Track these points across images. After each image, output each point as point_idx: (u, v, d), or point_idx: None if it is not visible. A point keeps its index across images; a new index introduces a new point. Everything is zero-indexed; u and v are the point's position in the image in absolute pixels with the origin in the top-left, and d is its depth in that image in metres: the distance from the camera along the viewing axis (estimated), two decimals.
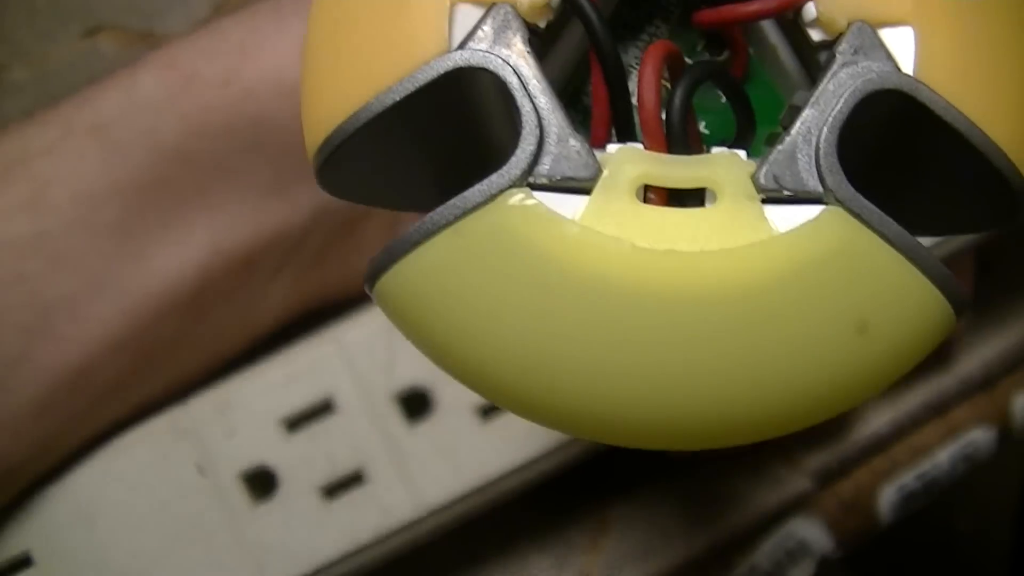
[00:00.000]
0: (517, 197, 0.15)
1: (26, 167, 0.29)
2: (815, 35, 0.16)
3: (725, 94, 0.18)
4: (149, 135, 0.29)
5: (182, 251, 0.30)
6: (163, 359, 0.31)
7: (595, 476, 0.35)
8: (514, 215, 0.15)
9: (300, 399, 0.31)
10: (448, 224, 0.15)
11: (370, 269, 0.16)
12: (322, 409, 0.31)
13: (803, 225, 0.16)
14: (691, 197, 0.16)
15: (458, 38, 0.16)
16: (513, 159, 0.15)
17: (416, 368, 0.31)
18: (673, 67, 0.17)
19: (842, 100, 0.16)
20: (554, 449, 0.31)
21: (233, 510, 0.31)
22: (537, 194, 0.15)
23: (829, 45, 0.16)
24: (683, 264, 0.15)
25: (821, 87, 0.16)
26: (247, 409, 0.31)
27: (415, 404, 0.31)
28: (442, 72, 0.15)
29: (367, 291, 0.17)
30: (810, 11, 0.16)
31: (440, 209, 0.15)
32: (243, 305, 0.31)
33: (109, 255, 0.29)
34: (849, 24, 0.16)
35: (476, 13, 0.16)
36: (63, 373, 0.29)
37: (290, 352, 0.32)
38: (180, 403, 0.31)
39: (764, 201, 0.16)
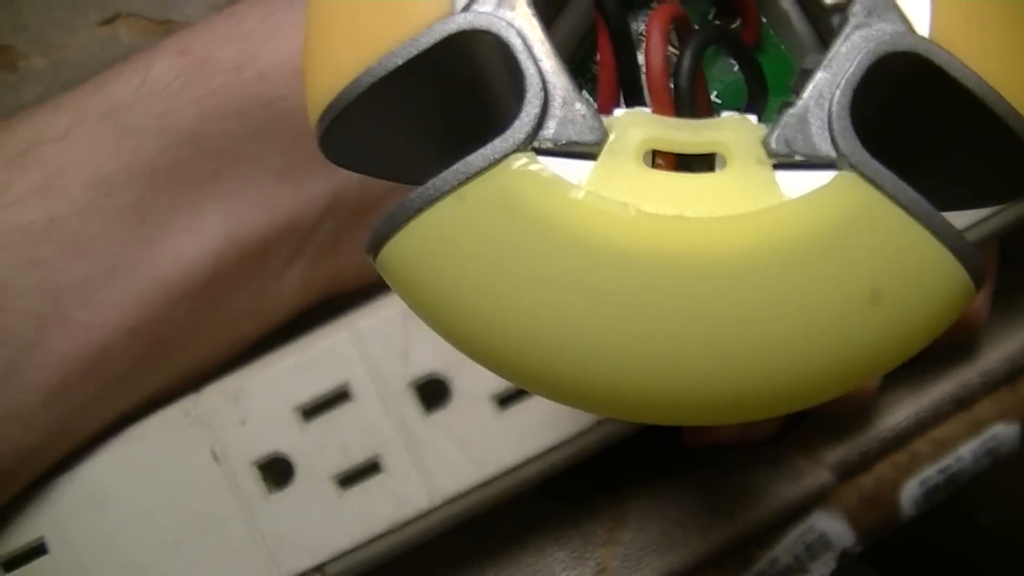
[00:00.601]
0: (521, 161, 0.15)
1: (39, 153, 0.29)
2: None
3: (735, 59, 0.17)
4: (162, 120, 0.29)
5: (196, 237, 0.30)
6: (177, 346, 0.31)
7: (613, 468, 0.34)
8: (518, 180, 0.15)
9: (315, 387, 0.31)
10: (452, 190, 0.15)
11: (372, 237, 0.16)
12: (338, 397, 0.31)
13: (815, 191, 0.15)
14: (700, 162, 0.16)
15: (462, 1, 0.15)
16: (517, 123, 0.15)
17: (433, 356, 0.31)
18: (681, 31, 0.17)
19: (855, 63, 0.15)
20: (571, 439, 0.31)
21: (247, 499, 0.30)
22: (542, 159, 0.15)
23: (842, 8, 0.16)
24: (691, 230, 0.15)
25: (834, 50, 0.15)
26: (262, 397, 0.31)
27: (431, 392, 0.31)
28: (445, 35, 0.15)
29: (371, 260, 0.17)
30: None
31: (443, 174, 0.15)
32: (257, 292, 0.31)
33: (122, 241, 0.29)
34: None
35: None
36: (76, 360, 0.29)
37: (305, 340, 0.31)
38: (194, 391, 0.31)
39: (775, 166, 0.15)
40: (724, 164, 0.15)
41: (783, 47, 0.18)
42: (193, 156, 0.29)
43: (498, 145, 0.15)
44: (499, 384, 0.30)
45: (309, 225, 0.31)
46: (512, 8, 0.15)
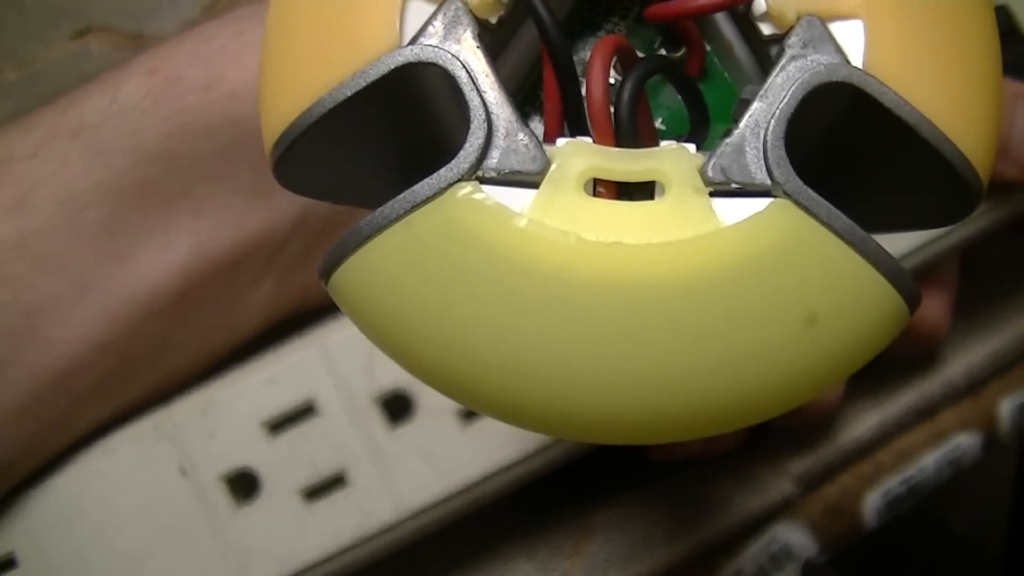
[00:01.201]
0: (465, 190, 0.15)
1: (10, 170, 0.29)
2: (766, 29, 0.17)
3: (677, 89, 0.18)
4: (132, 138, 0.29)
5: (166, 254, 0.30)
6: (147, 361, 0.31)
7: (579, 480, 0.35)
8: (462, 208, 0.15)
9: (282, 401, 0.31)
10: (398, 218, 0.16)
11: (324, 263, 0.16)
12: (304, 412, 0.31)
13: (750, 218, 0.16)
14: (641, 191, 0.16)
15: (409, 34, 0.16)
16: (462, 153, 0.15)
17: (397, 372, 0.31)
18: (625, 62, 0.17)
19: (790, 93, 0.16)
20: (535, 452, 0.31)
21: (215, 512, 0.31)
22: (486, 188, 0.16)
23: (779, 39, 0.16)
24: (630, 256, 0.15)
25: (770, 80, 0.16)
26: (229, 411, 0.31)
27: (396, 407, 0.31)
28: (392, 67, 0.16)
29: (322, 286, 0.17)
30: (760, 5, 0.16)
31: (390, 203, 0.16)
32: (226, 308, 0.32)
33: (93, 257, 0.29)
34: (799, 18, 0.16)
35: (428, 9, 0.16)
36: (47, 376, 0.30)
37: (272, 355, 0.32)
38: (163, 405, 0.32)
39: (712, 194, 0.16)
40: (663, 192, 0.16)
41: (727, 76, 0.19)
42: (163, 174, 0.30)
43: (443, 174, 0.15)
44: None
45: (278, 241, 0.31)
46: (458, 41, 0.16)
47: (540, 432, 0.17)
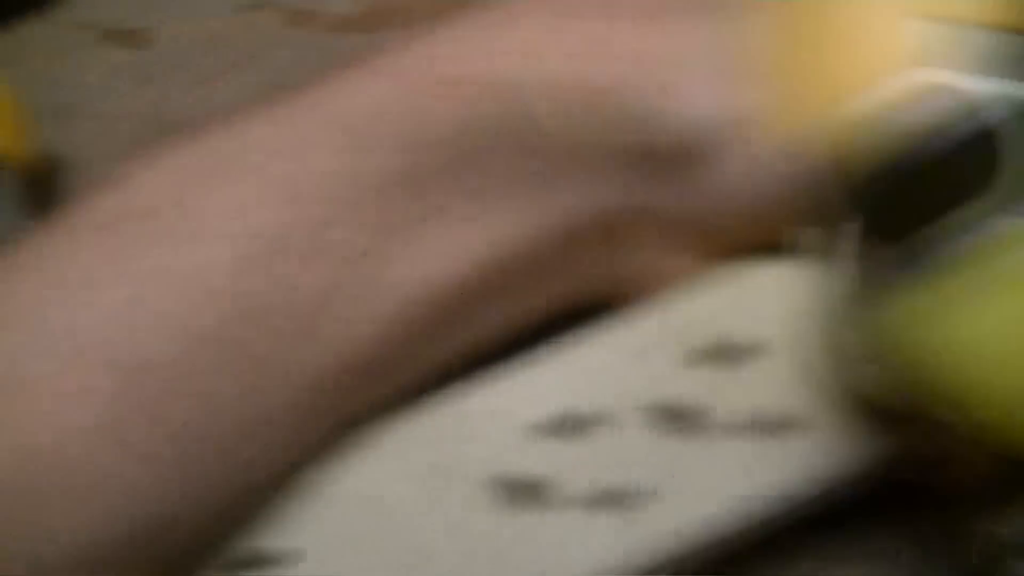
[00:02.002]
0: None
1: (273, 159, 0.29)
2: None
3: None
4: (416, 129, 0.29)
5: (443, 249, 0.30)
6: (420, 357, 0.32)
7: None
8: None
9: (557, 405, 0.31)
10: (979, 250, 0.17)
11: (872, 291, 0.18)
12: (586, 418, 0.31)
13: None
14: None
15: None
16: None
17: (678, 383, 0.31)
18: None
19: None
20: (824, 479, 0.31)
21: (496, 513, 0.31)
22: None
23: None
24: None
25: None
26: (505, 410, 0.31)
27: (678, 418, 0.31)
28: None
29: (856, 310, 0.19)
30: None
31: (962, 236, 0.17)
32: (504, 305, 0.32)
33: (373, 250, 0.29)
34: None
35: None
36: (324, 374, 0.30)
37: (549, 357, 0.32)
38: (435, 400, 0.32)
39: None
40: None
41: None
42: (434, 169, 0.30)
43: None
44: (749, 417, 0.31)
45: (560, 238, 0.31)
46: None
47: None
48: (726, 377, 0.31)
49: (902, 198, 0.18)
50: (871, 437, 0.30)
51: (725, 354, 0.32)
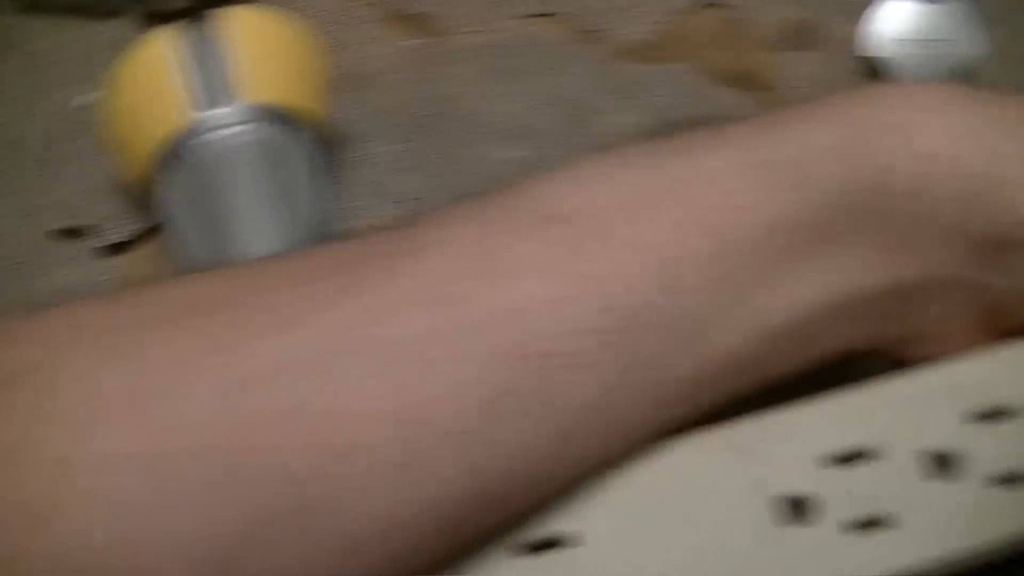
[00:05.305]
0: None
1: (703, 187, 0.32)
2: None
3: None
4: (818, 181, 0.33)
5: (804, 286, 0.33)
6: (766, 369, 0.34)
7: None
8: None
9: (842, 438, 0.34)
10: None
11: None
12: (859, 452, 0.34)
13: None
14: None
15: None
16: None
17: (943, 433, 0.35)
18: None
19: None
20: None
21: (765, 528, 0.34)
22: None
23: None
24: None
25: None
26: (794, 438, 0.34)
27: (941, 463, 0.34)
28: None
29: None
30: None
31: None
32: (819, 343, 0.35)
33: (751, 283, 0.33)
34: None
35: None
36: (679, 380, 0.33)
37: (841, 397, 0.35)
38: (733, 420, 0.34)
39: None
40: None
41: None
42: (830, 218, 0.33)
43: None
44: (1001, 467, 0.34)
45: (884, 296, 0.35)
46: None
47: None
48: (992, 433, 0.35)
49: None
50: None
51: (996, 414, 0.35)
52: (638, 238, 0.32)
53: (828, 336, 0.35)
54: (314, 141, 0.41)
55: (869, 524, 0.34)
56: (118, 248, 0.43)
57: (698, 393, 0.33)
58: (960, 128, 0.34)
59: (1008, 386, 0.35)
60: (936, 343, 0.37)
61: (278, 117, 0.41)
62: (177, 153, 0.40)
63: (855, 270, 0.34)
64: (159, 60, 0.41)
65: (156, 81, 0.41)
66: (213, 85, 0.41)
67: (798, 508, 0.34)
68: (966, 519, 0.34)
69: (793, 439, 0.34)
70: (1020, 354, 0.36)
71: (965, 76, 0.45)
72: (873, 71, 0.46)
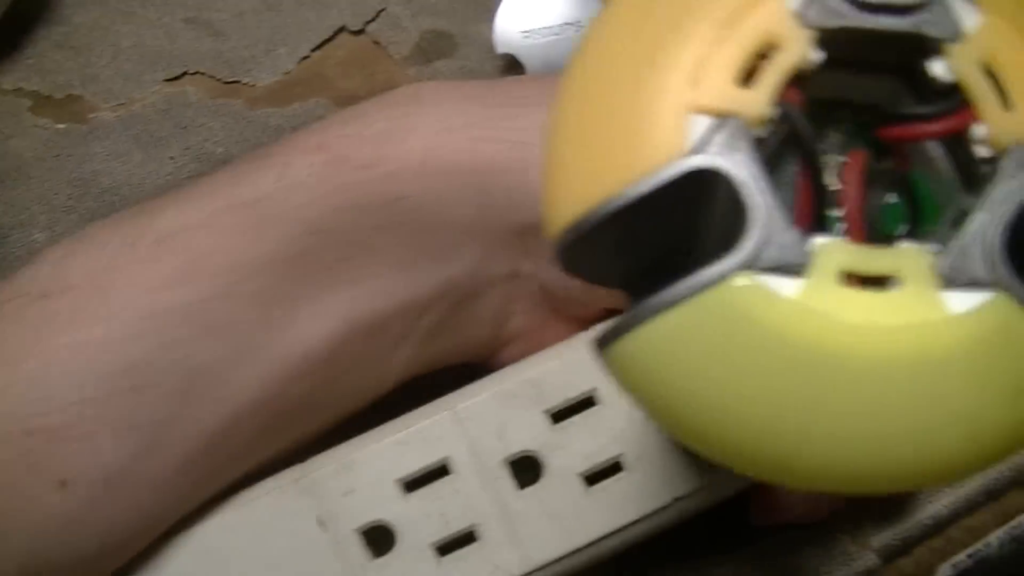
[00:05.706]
0: (744, 278, 0.18)
1: (183, 239, 0.32)
2: (982, 151, 0.20)
3: (899, 194, 0.21)
4: (298, 212, 0.32)
5: (319, 321, 0.33)
6: (294, 419, 0.34)
7: (673, 546, 0.37)
8: (743, 293, 0.18)
9: (417, 462, 0.33)
10: (683, 299, 0.18)
11: (603, 334, 0.19)
12: (438, 471, 0.33)
13: (973, 307, 0.19)
14: (875, 282, 0.19)
15: (691, 143, 0.19)
16: (743, 246, 0.18)
17: (527, 437, 0.34)
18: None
19: (1009, 207, 0.19)
20: (650, 514, 0.33)
21: (351, 564, 0.33)
22: (758, 277, 0.18)
23: (992, 160, 0.19)
24: (882, 336, 0.18)
25: (990, 195, 0.19)
26: (366, 469, 0.33)
27: (525, 469, 0.34)
28: (685, 171, 0.19)
29: (596, 354, 0.20)
30: (978, 131, 0.20)
31: (676, 286, 0.18)
32: (367, 370, 0.34)
33: (253, 324, 0.32)
34: (1014, 145, 0.19)
35: (705, 122, 0.19)
36: (208, 434, 0.32)
37: (408, 417, 0.34)
38: (302, 460, 0.34)
39: (943, 287, 0.19)
40: (900, 284, 0.19)
41: (926, 182, 0.22)
42: (322, 246, 0.32)
43: (726, 264, 0.18)
44: (586, 463, 0.34)
45: (420, 309, 0.34)
46: (738, 151, 0.19)
47: (794, 483, 0.20)
48: (565, 428, 0.34)
49: (599, 244, 0.19)
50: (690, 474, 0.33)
51: (568, 412, 0.34)
52: (125, 300, 0.31)
53: (375, 361, 0.34)
54: None
55: (463, 540, 0.33)
56: None
57: (238, 444, 0.33)
58: (451, 123, 0.33)
59: (574, 383, 0.34)
60: (522, 343, 0.36)
61: None
62: None
63: (375, 290, 0.33)
64: None
65: None
66: None
67: (382, 538, 0.33)
68: (559, 522, 0.33)
69: (363, 470, 0.34)
70: (577, 349, 0.34)
71: None
72: (517, 67, 0.45)
